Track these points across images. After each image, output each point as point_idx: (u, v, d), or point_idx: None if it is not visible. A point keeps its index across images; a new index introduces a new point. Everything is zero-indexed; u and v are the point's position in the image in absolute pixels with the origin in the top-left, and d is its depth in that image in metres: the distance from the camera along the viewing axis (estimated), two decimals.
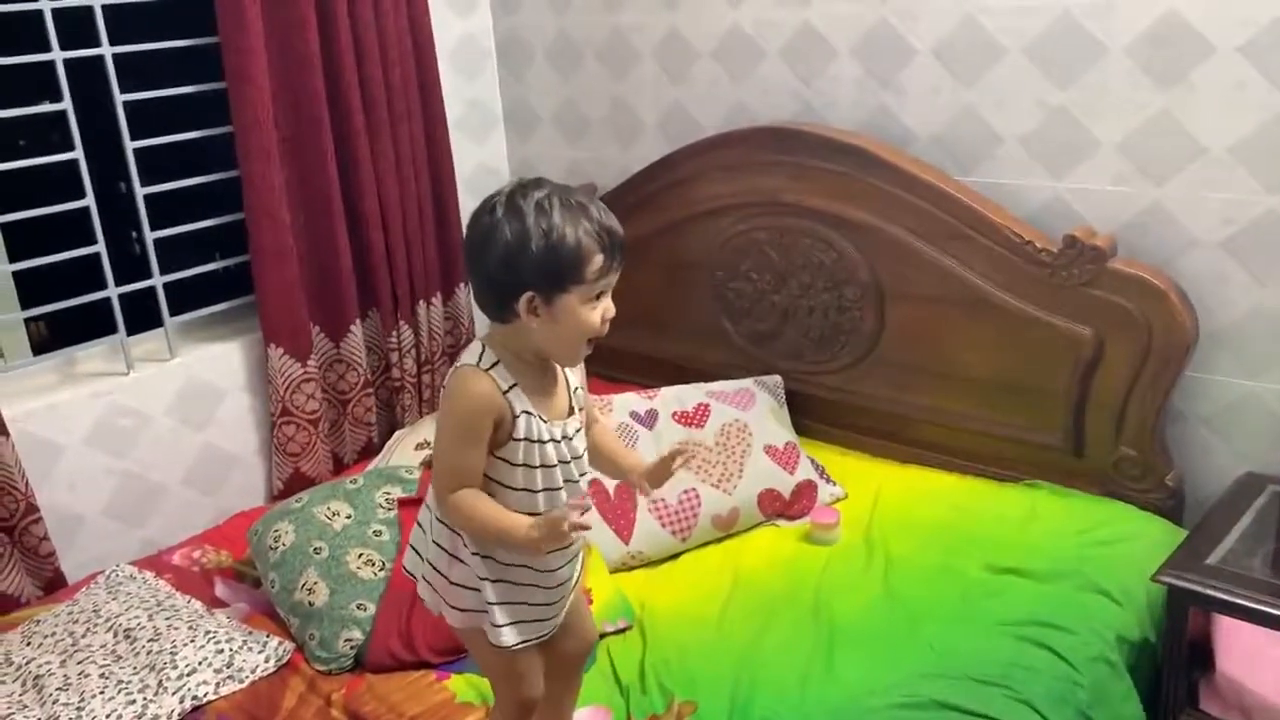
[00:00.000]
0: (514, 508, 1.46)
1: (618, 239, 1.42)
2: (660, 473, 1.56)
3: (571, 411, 1.53)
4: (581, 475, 1.54)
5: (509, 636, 1.53)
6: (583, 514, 1.40)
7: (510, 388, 1.43)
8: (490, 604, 1.51)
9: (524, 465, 1.46)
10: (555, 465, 1.49)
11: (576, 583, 1.62)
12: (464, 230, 3.10)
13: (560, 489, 1.50)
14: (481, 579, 1.50)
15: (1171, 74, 2.13)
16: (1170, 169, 2.18)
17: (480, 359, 1.44)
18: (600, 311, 1.44)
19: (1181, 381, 2.21)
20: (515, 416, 1.43)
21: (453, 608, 1.55)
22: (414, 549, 1.61)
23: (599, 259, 1.40)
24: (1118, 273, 2.18)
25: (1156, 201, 2.22)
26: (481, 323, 3.17)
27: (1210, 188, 2.14)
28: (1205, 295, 2.19)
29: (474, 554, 1.50)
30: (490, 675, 1.67)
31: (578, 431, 1.53)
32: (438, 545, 1.53)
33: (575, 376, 1.56)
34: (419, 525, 1.60)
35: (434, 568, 1.55)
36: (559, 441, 1.48)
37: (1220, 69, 2.07)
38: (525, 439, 1.45)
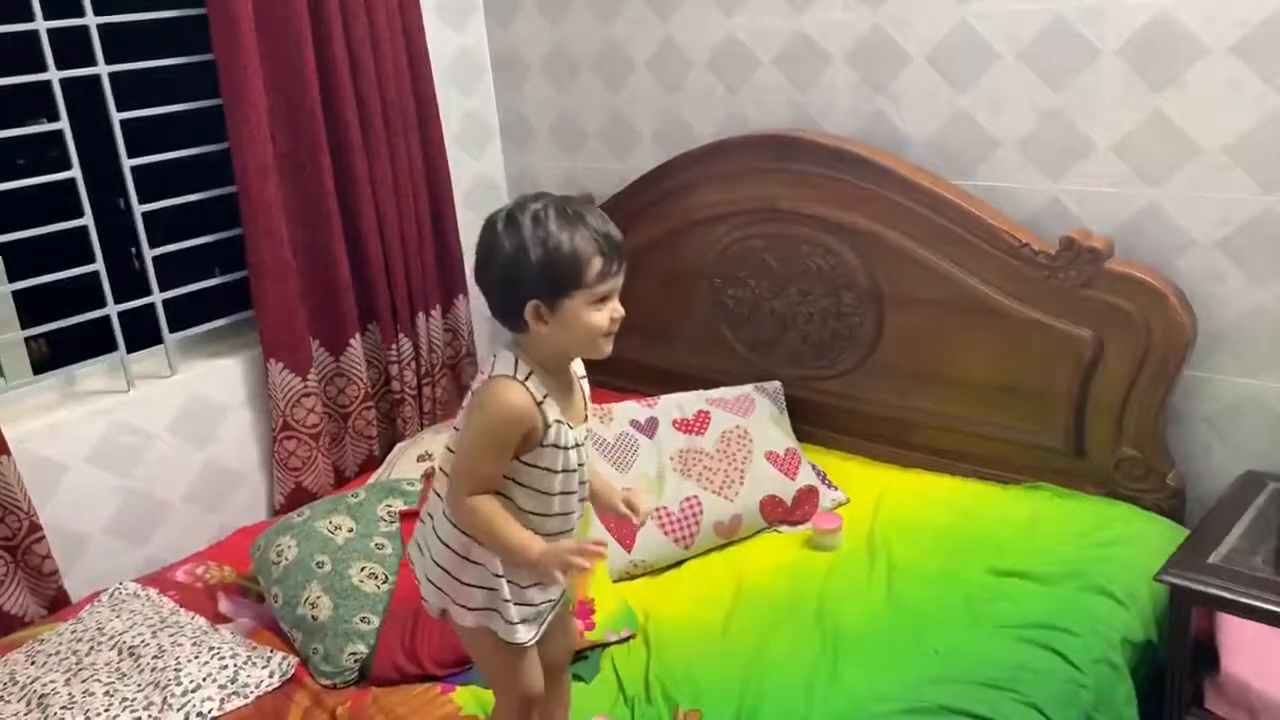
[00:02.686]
0: (528, 507, 1.51)
1: (615, 243, 1.46)
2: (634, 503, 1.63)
3: (585, 418, 1.58)
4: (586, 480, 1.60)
5: (523, 633, 1.57)
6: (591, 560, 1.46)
7: (544, 398, 1.47)
8: (505, 600, 1.54)
9: (546, 469, 1.50)
10: (575, 469, 1.54)
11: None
12: (461, 242, 3.12)
13: (574, 492, 1.55)
14: (497, 576, 1.53)
15: (1165, 75, 2.13)
16: (1166, 170, 2.19)
17: (515, 370, 1.48)
18: (607, 313, 1.48)
19: (1181, 381, 2.21)
20: (548, 426, 1.47)
21: (464, 608, 1.57)
22: (416, 544, 1.63)
23: (598, 262, 1.44)
24: (1116, 274, 2.19)
25: (1153, 202, 2.22)
26: (481, 335, 3.19)
27: (1206, 188, 2.15)
28: (1203, 295, 2.19)
29: (489, 553, 1.53)
30: (491, 674, 1.68)
31: (587, 436, 1.58)
32: (448, 547, 1.55)
33: (587, 387, 1.62)
34: (421, 522, 1.62)
35: (443, 570, 1.56)
36: (580, 446, 1.54)
37: (1213, 69, 2.08)
38: (554, 445, 1.49)
